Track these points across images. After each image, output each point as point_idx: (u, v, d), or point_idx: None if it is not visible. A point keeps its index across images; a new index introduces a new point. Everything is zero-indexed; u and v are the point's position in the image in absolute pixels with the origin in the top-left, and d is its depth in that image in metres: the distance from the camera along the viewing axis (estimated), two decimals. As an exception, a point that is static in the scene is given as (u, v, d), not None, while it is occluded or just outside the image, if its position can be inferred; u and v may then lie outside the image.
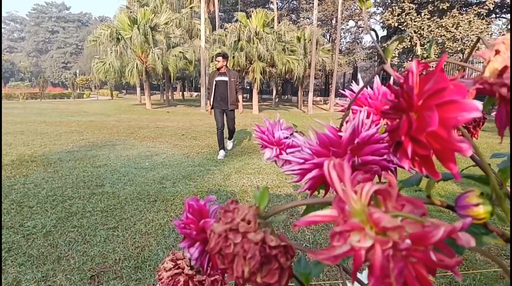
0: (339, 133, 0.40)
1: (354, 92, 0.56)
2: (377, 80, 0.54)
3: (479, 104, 0.21)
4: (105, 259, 1.96)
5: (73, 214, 2.60)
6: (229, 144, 5.35)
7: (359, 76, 26.66)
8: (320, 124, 0.41)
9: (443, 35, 13.18)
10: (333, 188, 0.24)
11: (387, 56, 0.37)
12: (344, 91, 0.59)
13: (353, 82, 0.58)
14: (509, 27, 13.53)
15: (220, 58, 4.81)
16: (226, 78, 4.80)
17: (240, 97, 4.97)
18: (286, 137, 0.60)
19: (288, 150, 0.54)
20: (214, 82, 4.82)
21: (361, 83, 0.58)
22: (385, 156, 0.45)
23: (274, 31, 13.18)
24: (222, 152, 4.81)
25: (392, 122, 0.27)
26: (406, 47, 14.64)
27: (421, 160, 0.25)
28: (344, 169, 0.25)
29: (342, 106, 0.58)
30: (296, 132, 0.62)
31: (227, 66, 4.94)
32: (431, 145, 0.24)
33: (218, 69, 4.87)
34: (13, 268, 1.85)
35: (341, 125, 0.42)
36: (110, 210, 2.70)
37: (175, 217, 2.59)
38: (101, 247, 2.09)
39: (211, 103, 4.87)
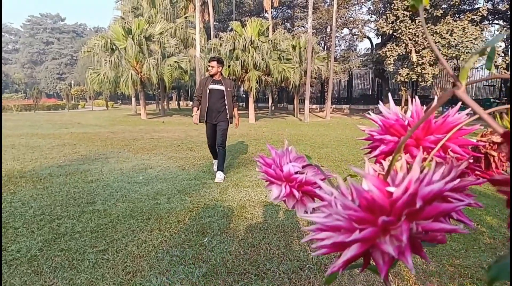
0: (388, 188, 0.27)
1: (384, 117, 0.44)
2: (416, 102, 0.42)
3: None
4: (93, 288, 1.80)
5: (61, 236, 2.44)
6: (217, 177, 4.04)
7: (353, 83, 26.82)
8: (359, 174, 0.28)
9: (438, 41, 13.24)
10: None
11: (462, 78, 0.24)
12: (370, 114, 0.47)
13: (381, 102, 0.45)
14: (502, 32, 13.63)
15: (214, 63, 4.16)
16: (221, 87, 4.23)
17: (236, 110, 4.46)
18: (297, 172, 0.48)
19: (310, 205, 0.42)
20: (208, 91, 4.18)
21: (392, 104, 0.46)
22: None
23: (269, 40, 13.16)
24: (216, 163, 4.59)
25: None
26: (401, 54, 14.68)
27: None
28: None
29: (370, 135, 0.46)
30: (310, 164, 0.50)
31: (221, 73, 4.31)
32: None
33: (212, 76, 4.22)
34: (-8, 300, 1.70)
35: (388, 172, 0.29)
36: (101, 230, 2.55)
37: (169, 237, 2.44)
38: (89, 274, 1.93)
39: (204, 116, 4.20)
